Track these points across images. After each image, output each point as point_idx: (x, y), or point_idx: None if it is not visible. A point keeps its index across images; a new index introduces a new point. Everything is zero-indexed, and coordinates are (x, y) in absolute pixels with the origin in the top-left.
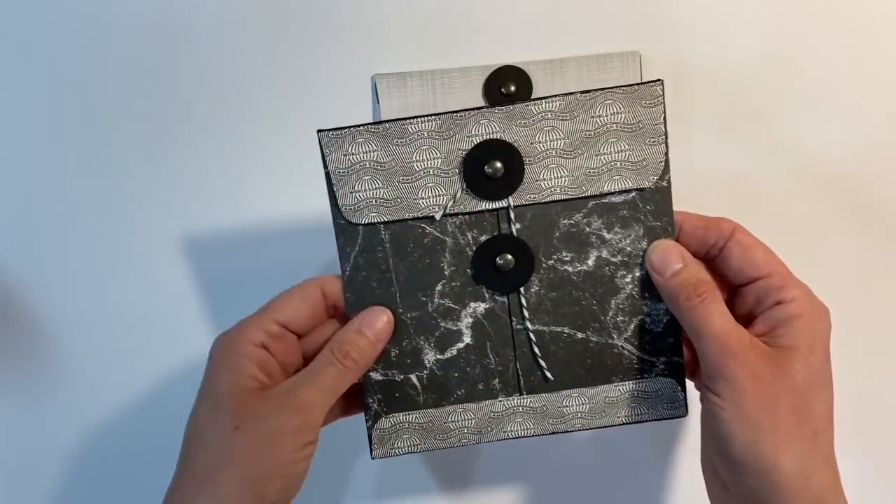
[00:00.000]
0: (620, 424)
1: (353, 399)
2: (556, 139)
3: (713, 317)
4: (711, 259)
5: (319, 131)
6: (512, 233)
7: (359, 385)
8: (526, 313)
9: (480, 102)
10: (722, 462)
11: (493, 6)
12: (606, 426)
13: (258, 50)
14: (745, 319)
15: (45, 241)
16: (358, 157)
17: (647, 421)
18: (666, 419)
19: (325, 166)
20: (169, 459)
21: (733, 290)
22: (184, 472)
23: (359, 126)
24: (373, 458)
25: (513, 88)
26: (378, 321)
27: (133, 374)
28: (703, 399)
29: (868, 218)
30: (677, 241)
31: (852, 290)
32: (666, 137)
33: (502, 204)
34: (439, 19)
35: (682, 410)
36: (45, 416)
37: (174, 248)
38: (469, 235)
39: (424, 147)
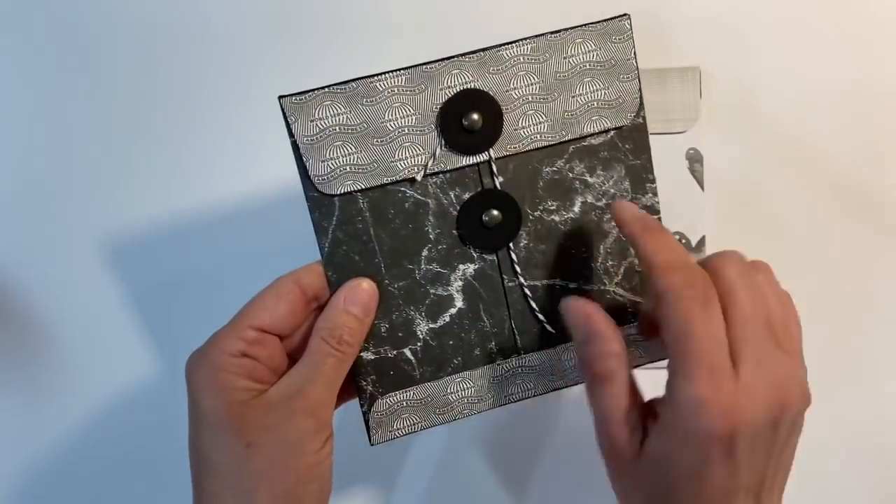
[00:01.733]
0: None
1: (346, 386)
2: (532, 84)
3: (601, 402)
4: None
5: (281, 97)
6: (496, 187)
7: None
8: (518, 269)
9: None
10: None
11: (550, 15)
12: None
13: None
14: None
15: (45, 241)
16: (326, 121)
17: (646, 364)
18: (661, 359)
19: (291, 135)
20: (168, 458)
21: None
22: (206, 499)
23: (323, 88)
24: (372, 445)
25: None
26: (361, 293)
27: (133, 372)
28: None
29: (868, 218)
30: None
31: (853, 290)
32: (638, 72)
33: (483, 157)
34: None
35: None
36: (45, 415)
37: (174, 246)
38: (451, 194)
39: (396, 104)
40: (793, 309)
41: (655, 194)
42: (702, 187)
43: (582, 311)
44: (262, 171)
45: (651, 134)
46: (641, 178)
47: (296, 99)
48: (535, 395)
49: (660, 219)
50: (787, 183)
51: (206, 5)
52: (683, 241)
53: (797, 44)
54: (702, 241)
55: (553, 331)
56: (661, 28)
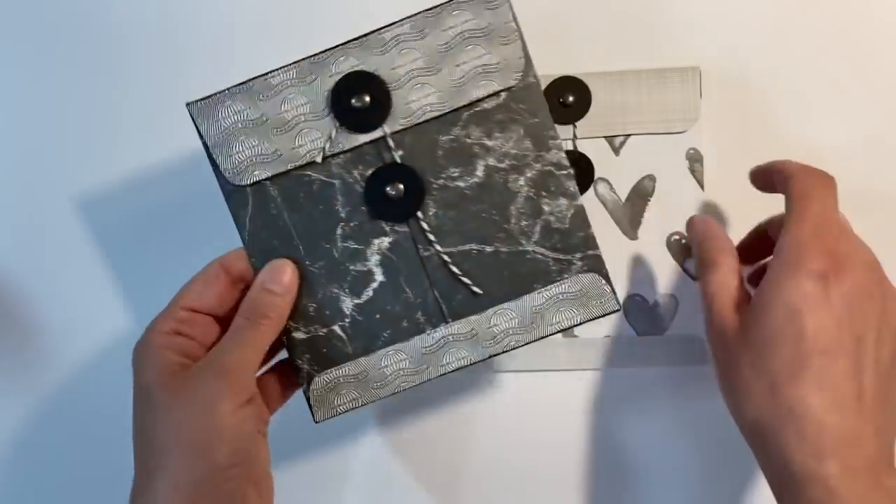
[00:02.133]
0: (555, 333)
1: (291, 378)
2: (416, 59)
3: (709, 286)
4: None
5: (188, 104)
6: (395, 160)
7: (290, 357)
8: (431, 237)
9: None
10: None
11: (552, 16)
12: (541, 337)
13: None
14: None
15: (44, 240)
16: (229, 120)
17: (581, 323)
18: (599, 317)
19: (201, 137)
20: None
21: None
22: (138, 470)
23: (224, 91)
24: (316, 422)
25: (571, 99)
26: (282, 273)
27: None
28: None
29: (867, 218)
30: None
31: None
32: (520, 34)
33: (378, 134)
34: None
35: (612, 304)
36: (45, 415)
37: (173, 245)
38: (355, 173)
39: (290, 95)
40: None
41: (560, 149)
42: (702, 187)
43: (702, 220)
44: None
45: (651, 134)
46: (542, 135)
47: (200, 103)
48: (471, 364)
49: (571, 173)
50: None
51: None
52: (683, 241)
53: (796, 43)
54: None
55: (480, 292)
56: (661, 28)
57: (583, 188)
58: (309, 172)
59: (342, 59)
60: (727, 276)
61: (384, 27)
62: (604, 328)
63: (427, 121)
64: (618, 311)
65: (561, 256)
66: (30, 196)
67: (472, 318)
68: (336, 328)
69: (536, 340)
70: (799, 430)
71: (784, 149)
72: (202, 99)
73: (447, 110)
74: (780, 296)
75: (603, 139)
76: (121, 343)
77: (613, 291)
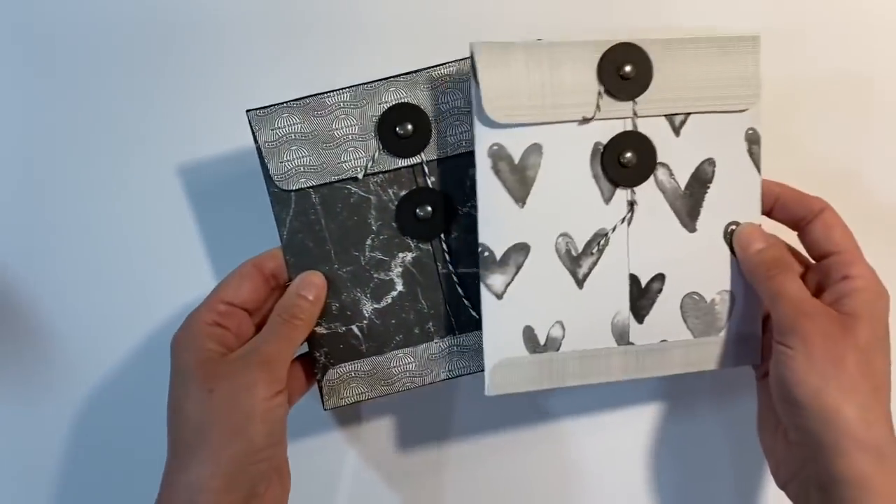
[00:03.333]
0: None
1: (311, 369)
2: (457, 98)
3: (789, 283)
4: (798, 230)
5: (248, 111)
6: (428, 185)
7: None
8: (448, 258)
9: (594, 84)
10: (788, 408)
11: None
12: None
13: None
14: (816, 290)
15: (43, 240)
16: (283, 130)
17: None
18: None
19: (256, 141)
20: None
21: (810, 265)
22: (174, 447)
23: (282, 103)
24: (325, 409)
25: (628, 69)
26: (314, 283)
27: (133, 372)
28: (774, 352)
29: (863, 216)
30: (773, 210)
31: None
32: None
33: (416, 160)
34: None
35: None
36: (44, 414)
37: (172, 245)
38: (390, 192)
39: (342, 116)
40: None
41: None
42: (759, 171)
43: (757, 229)
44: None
45: (711, 112)
46: None
47: (259, 112)
48: (470, 373)
49: None
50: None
51: (192, 4)
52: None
53: (792, 43)
54: None
55: (476, 316)
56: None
57: (644, 175)
58: (349, 186)
59: (392, 89)
60: (799, 279)
61: (432, 66)
62: (658, 332)
63: (460, 154)
64: None
65: None
66: (31, 196)
67: (477, 333)
68: (354, 328)
69: None
70: (892, 429)
71: (777, 146)
72: (261, 108)
73: None
74: (877, 327)
75: (664, 118)
76: (129, 343)
77: None
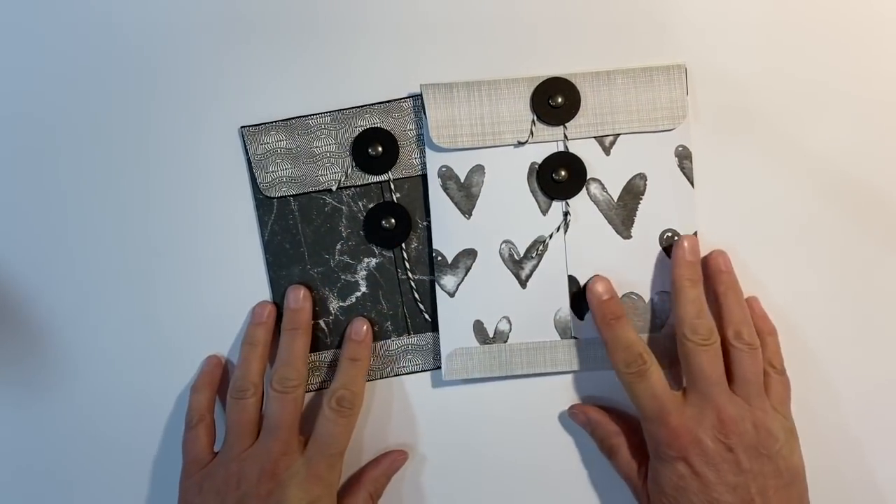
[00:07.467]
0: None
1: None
2: (421, 127)
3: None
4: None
5: (241, 127)
6: (393, 200)
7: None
8: (408, 265)
9: (527, 114)
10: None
11: (538, 17)
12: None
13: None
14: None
15: (43, 240)
16: (271, 145)
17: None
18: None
19: (246, 153)
20: (169, 457)
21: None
22: None
23: (271, 122)
24: None
25: (560, 100)
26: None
27: (133, 372)
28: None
29: (858, 214)
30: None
31: (844, 287)
32: None
33: (384, 178)
34: (485, 29)
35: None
36: (44, 415)
37: (172, 245)
38: (360, 204)
39: (322, 136)
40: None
41: None
42: (692, 184)
43: (582, 408)
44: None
45: (640, 132)
46: None
47: (251, 128)
48: (421, 371)
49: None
50: (778, 180)
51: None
52: (675, 237)
53: (787, 43)
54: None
55: (429, 319)
56: (649, 27)
57: (575, 189)
58: (324, 197)
59: (367, 115)
60: (627, 456)
61: (404, 98)
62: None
63: (423, 175)
64: None
65: None
66: (31, 196)
67: (429, 334)
68: (321, 322)
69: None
70: None
71: (773, 145)
72: (252, 125)
73: None
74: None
75: (593, 139)
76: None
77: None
